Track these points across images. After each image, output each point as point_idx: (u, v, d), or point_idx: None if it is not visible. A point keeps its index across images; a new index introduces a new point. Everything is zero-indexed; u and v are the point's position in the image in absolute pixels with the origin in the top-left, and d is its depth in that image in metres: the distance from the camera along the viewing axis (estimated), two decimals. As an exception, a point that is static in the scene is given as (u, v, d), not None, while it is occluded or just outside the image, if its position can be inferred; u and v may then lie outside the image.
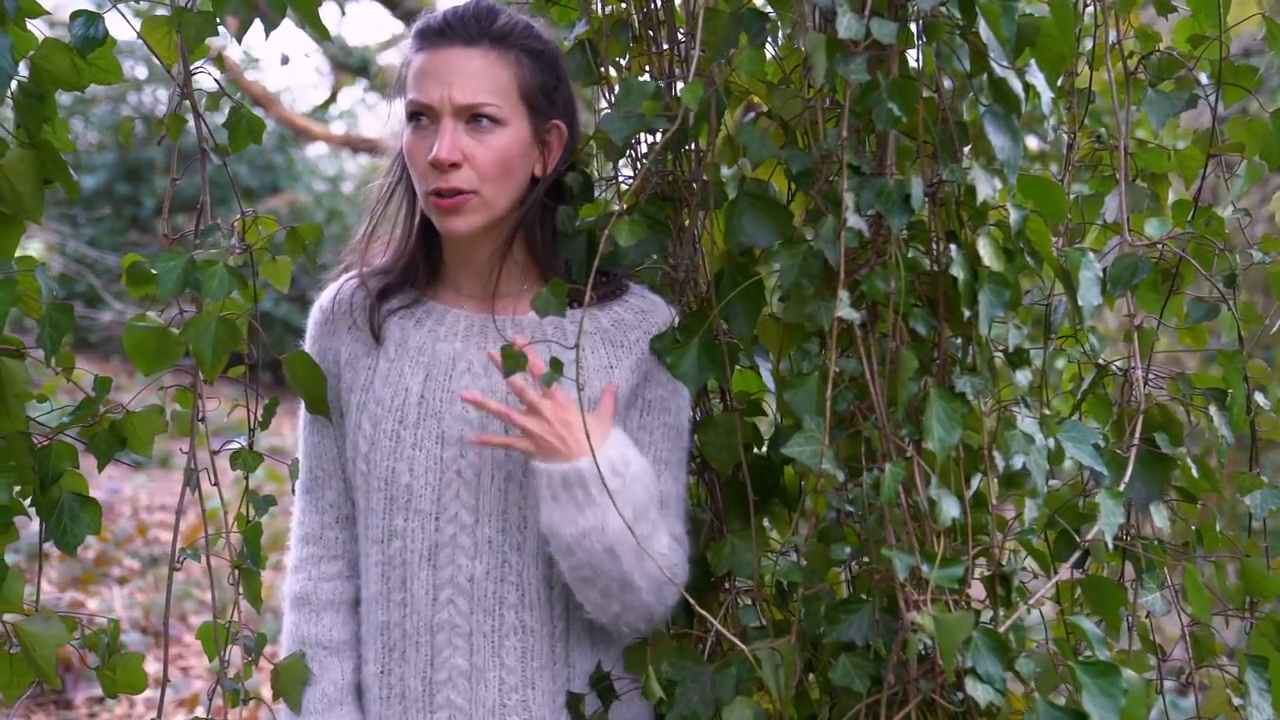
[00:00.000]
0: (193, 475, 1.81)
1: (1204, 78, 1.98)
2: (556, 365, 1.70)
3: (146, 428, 1.81)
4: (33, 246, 9.42)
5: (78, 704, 5.06)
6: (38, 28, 1.78)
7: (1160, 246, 1.93)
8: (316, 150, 13.48)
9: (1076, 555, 1.78)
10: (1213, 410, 1.90)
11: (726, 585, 1.92)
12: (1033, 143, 4.19)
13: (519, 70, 1.85)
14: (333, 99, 9.74)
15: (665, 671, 1.78)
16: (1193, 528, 1.99)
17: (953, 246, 1.69)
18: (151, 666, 5.48)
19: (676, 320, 1.90)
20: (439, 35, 1.85)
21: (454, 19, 1.85)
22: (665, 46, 1.91)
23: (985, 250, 1.67)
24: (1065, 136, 2.03)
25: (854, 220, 1.63)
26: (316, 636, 1.94)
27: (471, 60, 1.83)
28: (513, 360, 1.73)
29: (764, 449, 1.95)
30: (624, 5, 1.94)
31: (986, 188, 1.68)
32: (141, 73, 11.49)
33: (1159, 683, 1.99)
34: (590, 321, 1.87)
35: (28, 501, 1.79)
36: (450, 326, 1.91)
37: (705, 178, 1.79)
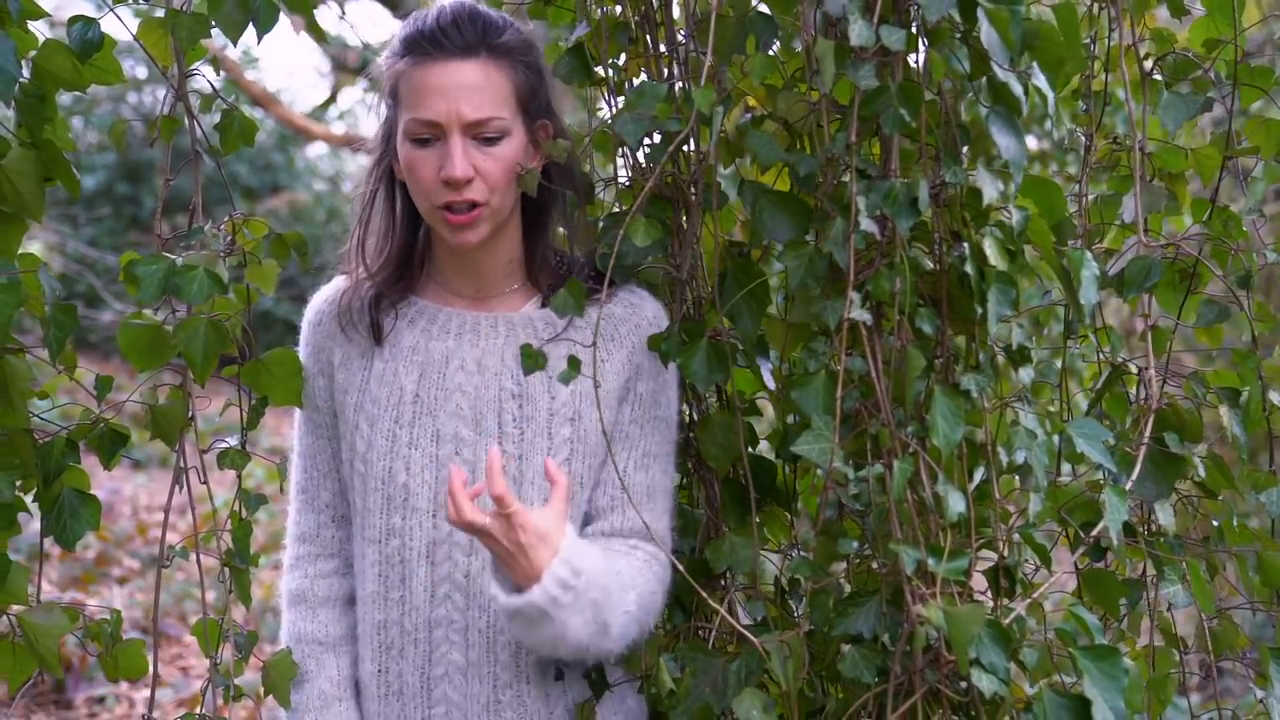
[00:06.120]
0: (181, 474, 1.83)
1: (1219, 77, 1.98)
2: (574, 363, 1.77)
3: (171, 421, 1.83)
4: (33, 246, 9.46)
5: (78, 704, 5.04)
6: (38, 28, 1.80)
7: (1177, 246, 1.95)
8: (316, 150, 13.47)
9: (1082, 550, 1.80)
10: (1224, 409, 1.90)
11: (723, 582, 1.95)
12: (1031, 142, 4.19)
13: (514, 77, 1.84)
14: (333, 99, 9.79)
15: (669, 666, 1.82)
16: (1215, 523, 2.00)
17: (964, 246, 1.73)
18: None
19: (665, 314, 1.92)
20: (434, 46, 1.81)
21: (448, 28, 1.82)
22: (663, 49, 1.92)
23: (991, 250, 1.71)
24: (1081, 138, 2.05)
25: (866, 224, 1.67)
26: (313, 633, 1.96)
27: (472, 73, 1.81)
28: (532, 359, 1.82)
29: (756, 448, 1.97)
30: (620, 8, 1.95)
31: (992, 189, 1.71)
32: (142, 73, 11.47)
33: (1181, 676, 2.01)
34: (581, 318, 1.88)
35: (30, 497, 1.80)
36: (442, 325, 1.92)
37: (704, 179, 1.83)
